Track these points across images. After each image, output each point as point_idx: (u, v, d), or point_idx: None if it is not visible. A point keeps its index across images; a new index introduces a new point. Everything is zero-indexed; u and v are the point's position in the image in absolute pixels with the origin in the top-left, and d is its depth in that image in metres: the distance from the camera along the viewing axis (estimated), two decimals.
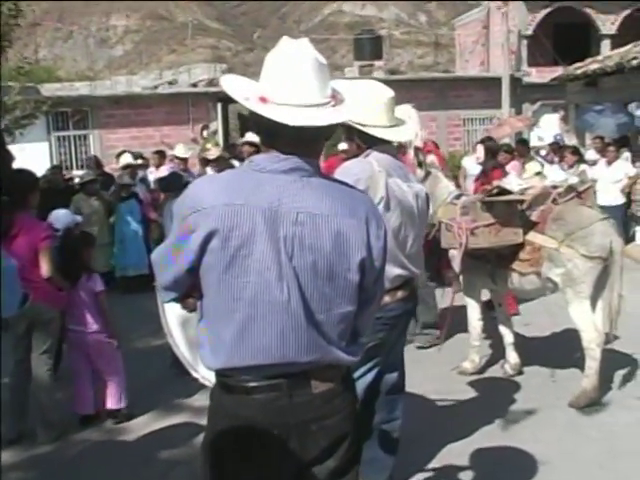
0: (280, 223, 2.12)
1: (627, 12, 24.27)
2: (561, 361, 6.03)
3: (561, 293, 5.39)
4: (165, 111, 20.65)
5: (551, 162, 11.96)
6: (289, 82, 2.14)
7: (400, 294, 3.58)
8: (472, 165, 10.09)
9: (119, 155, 12.08)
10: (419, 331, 6.85)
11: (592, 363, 5.22)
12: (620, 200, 10.72)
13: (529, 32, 24.06)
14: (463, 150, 20.11)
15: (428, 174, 5.62)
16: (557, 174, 10.52)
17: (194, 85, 22.29)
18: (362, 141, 3.59)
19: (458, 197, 5.61)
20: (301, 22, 57.34)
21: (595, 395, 5.25)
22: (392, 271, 3.48)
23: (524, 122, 14.10)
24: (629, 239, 11.36)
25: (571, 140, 15.57)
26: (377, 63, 23.81)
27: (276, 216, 2.12)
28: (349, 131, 3.60)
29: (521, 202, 5.45)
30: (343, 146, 11.35)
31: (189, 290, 2.30)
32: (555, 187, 5.81)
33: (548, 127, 17.48)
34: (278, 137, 2.18)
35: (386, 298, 3.48)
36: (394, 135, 3.62)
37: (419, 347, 6.71)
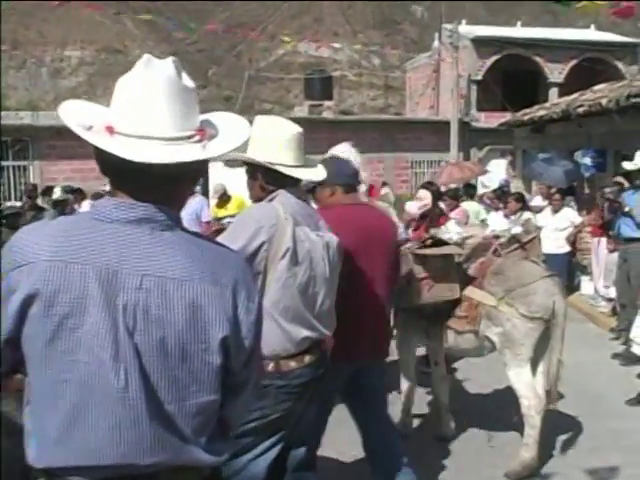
0: (120, 288, 1.66)
1: (574, 62, 24.67)
2: (500, 423, 5.59)
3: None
4: None
5: (496, 209, 11.70)
6: (138, 109, 1.70)
7: (308, 359, 3.11)
8: (414, 211, 9.69)
9: (46, 191, 11.60)
10: None
11: (532, 431, 4.76)
12: (565, 249, 10.46)
13: (479, 77, 24.23)
14: (410, 193, 19.95)
15: None
16: (499, 222, 10.21)
17: None
18: (266, 182, 3.14)
19: (404, 242, 5.14)
20: (256, 61, 57.36)
21: (534, 465, 4.80)
22: (299, 333, 3.05)
23: (465, 174, 13.68)
24: (574, 288, 11.13)
25: (517, 186, 15.44)
26: (327, 103, 23.71)
27: (115, 279, 1.66)
28: (252, 170, 3.16)
29: (459, 253, 5.05)
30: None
31: (16, 365, 1.80)
32: (497, 237, 5.41)
33: (496, 172, 17.36)
34: (126, 178, 1.73)
35: (292, 363, 3.06)
36: (303, 173, 3.18)
37: None
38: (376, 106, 49.88)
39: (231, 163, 3.29)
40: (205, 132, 1.79)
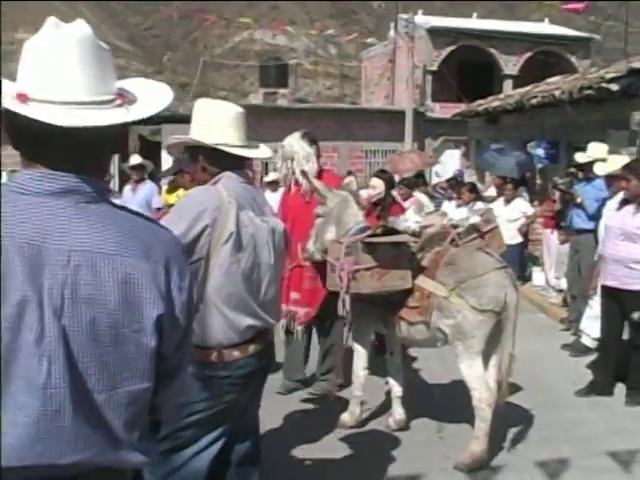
0: (45, 266, 1.52)
1: (529, 54, 24.88)
2: (451, 414, 5.54)
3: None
4: None
5: (449, 199, 11.69)
6: (51, 73, 1.57)
7: (252, 348, 2.98)
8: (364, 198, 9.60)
9: None
10: (318, 377, 6.18)
11: (482, 424, 4.69)
12: (517, 239, 10.47)
13: (434, 68, 24.26)
14: (364, 182, 19.91)
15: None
16: (458, 212, 10.19)
17: None
18: (209, 163, 3.02)
19: (364, 230, 4.89)
20: (211, 47, 56.80)
21: (484, 457, 4.73)
22: (243, 321, 2.92)
23: (406, 166, 13.44)
24: (526, 279, 11.18)
25: (471, 176, 15.50)
26: (282, 91, 23.59)
27: (40, 256, 1.52)
28: (193, 153, 3.04)
29: (414, 242, 4.94)
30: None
31: None
32: (455, 226, 5.29)
33: (450, 162, 17.41)
34: (44, 147, 1.59)
35: (235, 353, 2.93)
36: (249, 153, 3.08)
37: (310, 396, 5.99)
38: (332, 95, 49.86)
39: (171, 150, 3.16)
40: (125, 97, 1.68)
